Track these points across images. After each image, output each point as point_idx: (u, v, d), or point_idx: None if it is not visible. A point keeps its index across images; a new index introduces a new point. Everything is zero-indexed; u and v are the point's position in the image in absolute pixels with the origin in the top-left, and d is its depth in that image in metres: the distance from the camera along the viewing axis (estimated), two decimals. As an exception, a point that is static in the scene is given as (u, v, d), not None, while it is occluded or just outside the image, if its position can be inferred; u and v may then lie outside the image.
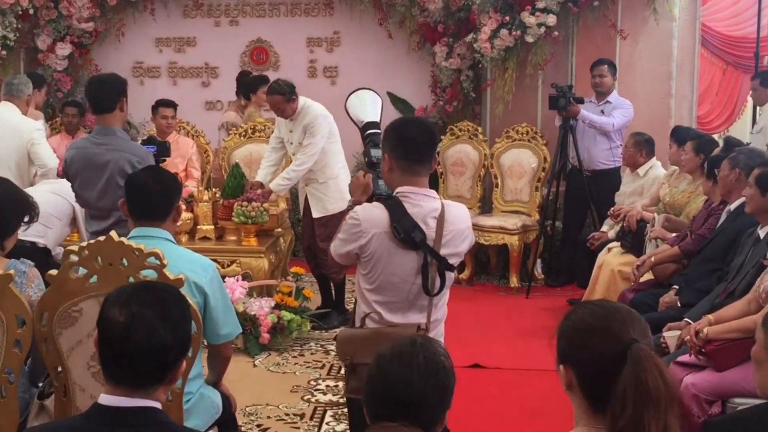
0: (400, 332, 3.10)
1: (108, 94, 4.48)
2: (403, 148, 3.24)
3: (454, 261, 3.27)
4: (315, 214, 6.43)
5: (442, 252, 3.20)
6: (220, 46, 8.94)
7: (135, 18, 8.93)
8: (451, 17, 8.16)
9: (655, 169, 6.62)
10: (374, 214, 3.21)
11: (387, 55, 8.60)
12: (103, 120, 4.52)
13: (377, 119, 3.64)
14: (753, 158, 4.80)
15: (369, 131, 3.59)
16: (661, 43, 7.91)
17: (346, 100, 3.76)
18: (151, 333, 2.01)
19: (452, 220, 3.25)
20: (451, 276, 3.30)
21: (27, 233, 5.72)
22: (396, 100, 8.47)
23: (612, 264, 5.98)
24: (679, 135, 6.20)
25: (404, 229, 3.14)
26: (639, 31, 7.88)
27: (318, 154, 6.30)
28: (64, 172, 4.71)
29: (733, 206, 4.87)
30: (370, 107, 3.70)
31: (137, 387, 2.03)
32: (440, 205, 3.25)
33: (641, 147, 6.63)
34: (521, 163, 7.83)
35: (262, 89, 7.43)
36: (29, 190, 5.96)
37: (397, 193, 3.24)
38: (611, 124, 7.21)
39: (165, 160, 5.52)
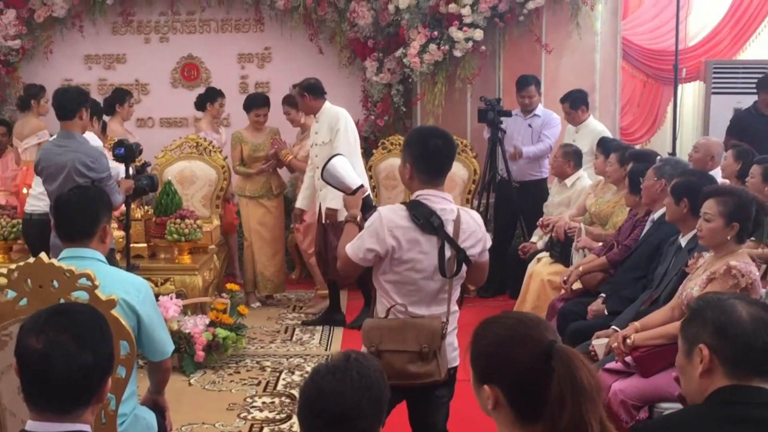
0: (427, 323, 3.33)
1: (70, 103, 5.20)
2: (426, 161, 3.41)
3: (471, 252, 3.43)
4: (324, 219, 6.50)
5: (460, 244, 3.38)
6: (151, 63, 8.88)
7: (63, 35, 8.81)
8: (381, 33, 8.25)
9: (582, 180, 6.77)
10: (394, 210, 3.39)
11: (318, 70, 8.60)
12: (65, 125, 5.25)
13: (359, 181, 3.80)
14: (677, 169, 4.96)
15: (362, 197, 3.74)
16: (584, 56, 8.11)
17: (322, 173, 3.87)
18: (70, 359, 1.99)
19: (467, 220, 3.43)
20: (464, 269, 3.44)
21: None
22: (328, 115, 8.51)
23: (542, 274, 6.10)
24: (605, 146, 6.35)
25: (422, 215, 3.32)
26: (563, 45, 8.07)
27: (347, 148, 6.23)
28: (35, 169, 5.42)
29: (656, 215, 5.01)
30: (347, 173, 3.82)
31: (62, 412, 2.02)
32: (456, 209, 3.43)
33: (569, 158, 6.78)
34: (452, 175, 7.89)
35: (220, 101, 7.77)
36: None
37: (417, 195, 3.41)
38: (549, 146, 7.37)
39: (138, 161, 5.72)
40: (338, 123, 6.41)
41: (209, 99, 7.90)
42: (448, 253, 3.36)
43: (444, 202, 3.41)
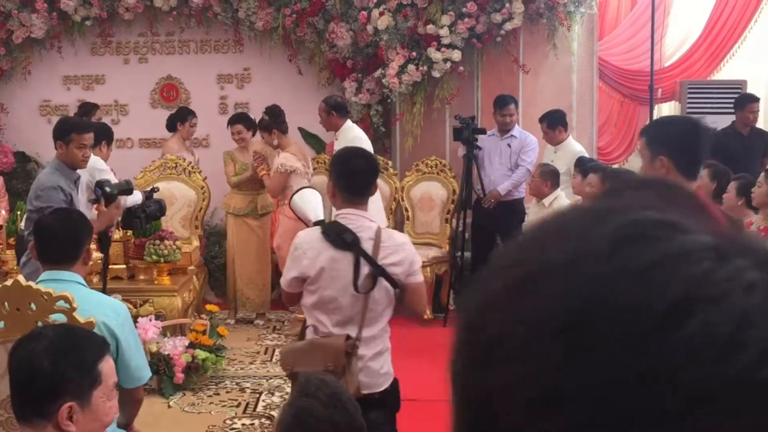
0: (331, 342, 3.37)
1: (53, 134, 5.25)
2: (346, 179, 3.49)
3: (393, 271, 3.44)
4: None
5: (380, 261, 3.42)
6: (130, 84, 8.88)
7: (42, 56, 8.81)
8: (360, 53, 8.29)
9: (560, 200, 6.81)
10: (310, 232, 3.51)
11: (297, 91, 8.67)
12: None
13: (321, 216, 3.98)
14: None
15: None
16: (561, 76, 8.18)
17: (290, 200, 4.01)
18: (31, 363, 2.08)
19: (389, 238, 3.48)
20: (389, 290, 3.46)
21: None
22: (307, 136, 8.55)
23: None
24: (582, 166, 6.40)
25: (334, 232, 3.39)
26: (540, 66, 8.14)
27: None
28: None
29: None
30: (311, 206, 3.95)
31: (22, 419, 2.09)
32: (376, 227, 3.49)
33: (546, 178, 6.82)
34: (431, 195, 7.97)
35: (190, 120, 7.79)
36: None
37: (336, 215, 3.53)
38: (526, 171, 7.36)
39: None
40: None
41: (179, 118, 7.90)
42: (365, 269, 3.39)
43: (362, 220, 3.47)
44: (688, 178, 3.13)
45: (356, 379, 3.39)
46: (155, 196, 6.09)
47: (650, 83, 8.32)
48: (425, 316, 7.22)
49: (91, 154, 6.11)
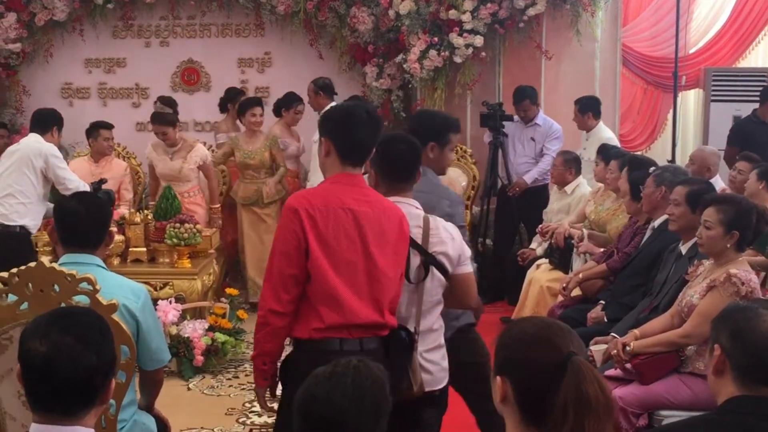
0: None
1: None
2: (389, 167, 3.35)
3: (442, 261, 3.28)
4: None
5: (429, 250, 3.26)
6: (151, 67, 8.88)
7: (63, 39, 8.83)
8: (381, 38, 8.25)
9: (582, 187, 6.77)
10: None
11: (318, 75, 8.56)
12: None
13: None
14: (677, 176, 4.95)
15: None
16: (584, 63, 8.11)
17: None
18: (74, 360, 2.01)
19: (437, 226, 3.31)
20: (441, 280, 3.30)
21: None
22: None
23: (541, 280, 6.10)
24: (605, 153, 6.35)
25: None
26: (563, 52, 8.07)
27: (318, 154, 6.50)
28: None
29: (656, 223, 5.01)
30: None
31: (67, 414, 2.03)
32: (423, 214, 3.32)
33: (570, 165, 6.78)
34: (452, 181, 7.86)
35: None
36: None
37: None
38: (551, 158, 7.30)
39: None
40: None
41: (284, 105, 7.86)
42: (416, 259, 3.23)
43: (408, 208, 3.29)
44: (352, 164, 3.16)
45: (418, 375, 3.20)
46: (103, 187, 6.08)
47: (674, 70, 8.24)
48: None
49: (44, 141, 6.08)
